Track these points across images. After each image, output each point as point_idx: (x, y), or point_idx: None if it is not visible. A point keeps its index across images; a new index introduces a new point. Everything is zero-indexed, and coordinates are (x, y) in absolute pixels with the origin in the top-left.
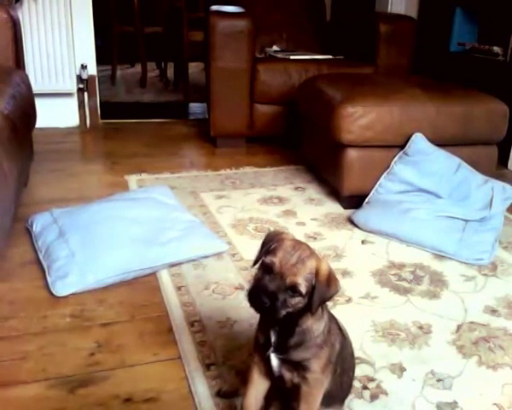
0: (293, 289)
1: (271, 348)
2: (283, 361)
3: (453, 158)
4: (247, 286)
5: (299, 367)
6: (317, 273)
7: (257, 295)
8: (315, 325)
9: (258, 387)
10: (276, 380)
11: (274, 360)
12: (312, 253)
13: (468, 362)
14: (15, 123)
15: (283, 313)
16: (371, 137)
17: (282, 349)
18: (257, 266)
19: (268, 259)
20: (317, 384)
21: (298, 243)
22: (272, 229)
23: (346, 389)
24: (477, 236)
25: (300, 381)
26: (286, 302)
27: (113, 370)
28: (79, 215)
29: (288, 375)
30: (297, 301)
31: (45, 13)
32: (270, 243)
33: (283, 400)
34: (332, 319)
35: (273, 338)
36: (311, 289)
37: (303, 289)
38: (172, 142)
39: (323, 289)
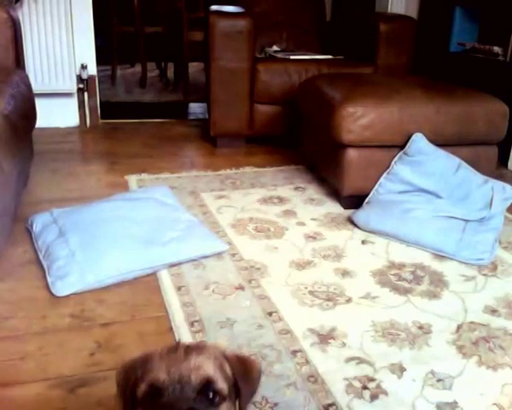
0: (211, 388)
1: None
2: None
3: (453, 158)
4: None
5: None
6: (225, 358)
7: None
8: None
9: None
10: None
11: None
12: (202, 342)
13: (468, 362)
14: (15, 123)
15: None
16: (371, 137)
17: None
18: None
19: (144, 385)
20: None
21: (174, 346)
22: (272, 229)
23: None
24: (477, 236)
25: None
26: None
27: (113, 370)
28: (79, 215)
29: None
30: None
31: (45, 13)
32: (135, 373)
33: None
34: None
35: None
36: (233, 384)
37: (222, 383)
38: (172, 142)
39: (245, 375)
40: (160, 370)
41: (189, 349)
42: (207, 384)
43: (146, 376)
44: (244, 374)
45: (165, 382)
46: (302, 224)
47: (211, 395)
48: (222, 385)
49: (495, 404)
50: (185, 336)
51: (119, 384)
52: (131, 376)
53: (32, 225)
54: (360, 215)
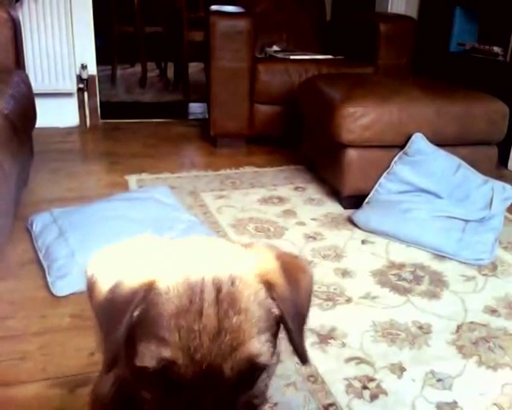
0: (250, 371)
1: None
2: None
3: (453, 158)
4: None
5: None
6: (271, 287)
7: None
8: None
9: None
10: None
11: None
12: (235, 269)
13: (468, 362)
14: (15, 123)
15: None
16: (371, 137)
17: None
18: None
19: (149, 356)
20: None
21: (189, 275)
22: (272, 229)
23: None
24: (477, 236)
25: None
26: (252, 405)
27: None
28: (79, 215)
29: None
30: (267, 375)
31: (45, 13)
32: (129, 310)
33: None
34: None
35: None
36: (277, 326)
37: (268, 352)
38: (172, 142)
39: (294, 298)
40: (178, 345)
41: (220, 304)
42: (248, 368)
43: (154, 337)
44: (293, 298)
45: (185, 369)
46: (302, 224)
47: (251, 373)
48: (267, 354)
49: (495, 404)
50: None
51: (103, 312)
52: (126, 308)
53: (31, 225)
54: (360, 215)
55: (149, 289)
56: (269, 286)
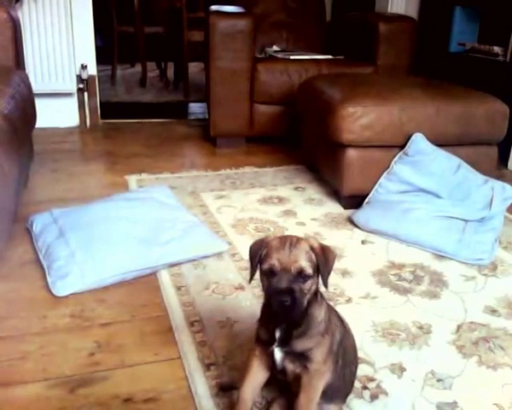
0: (302, 274)
1: (275, 343)
2: (287, 353)
3: (453, 158)
4: (261, 301)
5: (302, 358)
6: (312, 250)
7: (275, 300)
8: (317, 311)
9: (256, 377)
10: (277, 373)
11: (278, 354)
12: (299, 237)
13: (468, 362)
14: (15, 123)
15: (305, 302)
16: (371, 137)
17: (286, 342)
18: (255, 281)
19: (266, 265)
20: (318, 375)
21: (283, 237)
22: (272, 229)
23: (348, 383)
24: (477, 236)
25: (302, 371)
26: (302, 290)
27: (113, 370)
28: (79, 215)
29: (290, 366)
30: (310, 284)
31: (45, 13)
32: (259, 252)
33: (286, 397)
34: (332, 310)
35: (278, 334)
36: (316, 267)
37: (309, 269)
38: (172, 142)
39: (324, 260)
40: (275, 259)
41: (292, 246)
42: (300, 272)
43: (267, 259)
44: (324, 261)
45: (276, 267)
46: (302, 224)
47: (302, 279)
48: (309, 270)
49: (495, 404)
50: (185, 336)
51: (250, 255)
52: (256, 253)
53: (31, 225)
54: (360, 215)
55: (267, 244)
56: (311, 247)
